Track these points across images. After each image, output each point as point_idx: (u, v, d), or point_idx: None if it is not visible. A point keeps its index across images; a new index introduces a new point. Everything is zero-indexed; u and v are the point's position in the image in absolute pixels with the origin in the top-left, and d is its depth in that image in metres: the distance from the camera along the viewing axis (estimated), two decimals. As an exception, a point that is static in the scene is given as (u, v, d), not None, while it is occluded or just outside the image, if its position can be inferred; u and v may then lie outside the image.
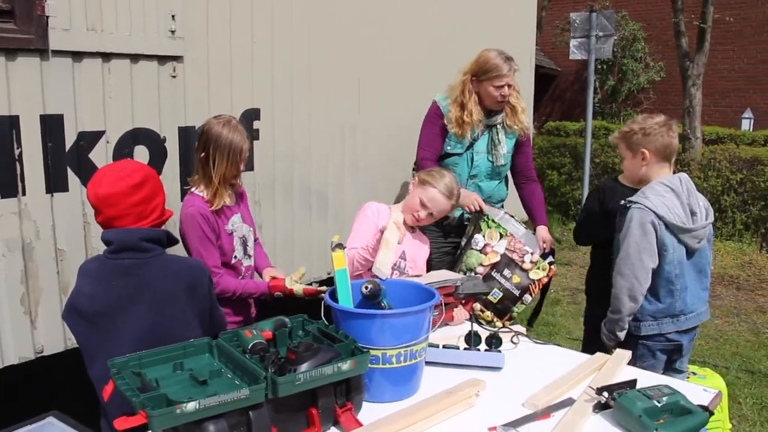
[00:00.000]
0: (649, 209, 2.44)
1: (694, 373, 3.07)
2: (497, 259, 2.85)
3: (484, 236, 2.88)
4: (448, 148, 3.18)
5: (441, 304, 2.34)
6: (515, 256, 2.86)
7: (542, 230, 3.11)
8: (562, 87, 13.48)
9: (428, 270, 2.84)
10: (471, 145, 3.17)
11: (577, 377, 1.96)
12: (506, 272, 2.84)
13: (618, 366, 2.05)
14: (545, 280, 2.88)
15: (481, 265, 2.84)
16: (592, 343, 2.75)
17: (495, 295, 2.84)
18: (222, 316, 2.12)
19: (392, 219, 2.61)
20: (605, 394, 1.74)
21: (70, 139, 2.52)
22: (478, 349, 2.13)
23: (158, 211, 1.99)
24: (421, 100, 3.40)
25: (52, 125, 2.47)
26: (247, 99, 3.11)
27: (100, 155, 2.60)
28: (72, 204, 2.53)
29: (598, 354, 2.18)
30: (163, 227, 2.05)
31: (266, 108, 3.21)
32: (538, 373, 2.04)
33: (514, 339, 2.32)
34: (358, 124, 3.72)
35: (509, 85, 3.06)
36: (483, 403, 1.86)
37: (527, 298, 2.88)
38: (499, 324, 2.79)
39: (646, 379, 1.95)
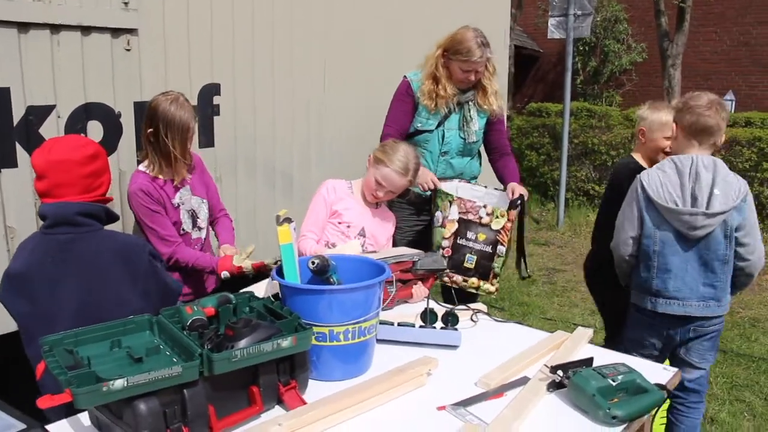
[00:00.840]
0: (640, 179, 2.45)
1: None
2: (455, 227, 2.79)
3: (441, 211, 2.83)
4: (419, 124, 3.12)
5: (393, 280, 2.30)
6: (470, 216, 2.79)
7: (512, 184, 3.04)
8: (545, 69, 13.42)
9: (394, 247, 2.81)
10: (442, 122, 3.11)
11: (533, 356, 1.92)
12: (469, 234, 2.79)
13: (578, 344, 2.01)
14: (509, 225, 2.79)
15: (444, 239, 2.80)
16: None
17: (470, 261, 2.80)
18: (173, 291, 2.06)
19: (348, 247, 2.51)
20: (560, 372, 1.70)
21: (18, 113, 2.44)
22: (434, 327, 2.08)
23: (104, 188, 1.93)
24: (390, 77, 3.32)
25: (-3, 98, 2.38)
26: (206, 74, 3.03)
27: (51, 130, 2.52)
28: (21, 180, 2.45)
29: (559, 332, 2.14)
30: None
31: (227, 83, 3.13)
32: (495, 352, 2.00)
33: (474, 317, 2.28)
34: (325, 102, 3.64)
35: (477, 71, 2.99)
36: (435, 382, 1.82)
37: (501, 249, 2.81)
38: (491, 288, 2.84)
39: (609, 358, 1.92)
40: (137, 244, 1.95)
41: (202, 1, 2.95)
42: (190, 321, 1.64)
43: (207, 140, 3.10)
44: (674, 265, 2.41)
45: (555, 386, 1.71)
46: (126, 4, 2.65)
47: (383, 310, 2.34)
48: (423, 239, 3.08)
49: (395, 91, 3.22)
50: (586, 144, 7.77)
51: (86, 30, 2.54)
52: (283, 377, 1.66)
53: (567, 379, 1.67)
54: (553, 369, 1.70)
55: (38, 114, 2.49)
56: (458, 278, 2.82)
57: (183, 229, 2.48)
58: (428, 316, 2.10)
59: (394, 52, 3.87)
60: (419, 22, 4.05)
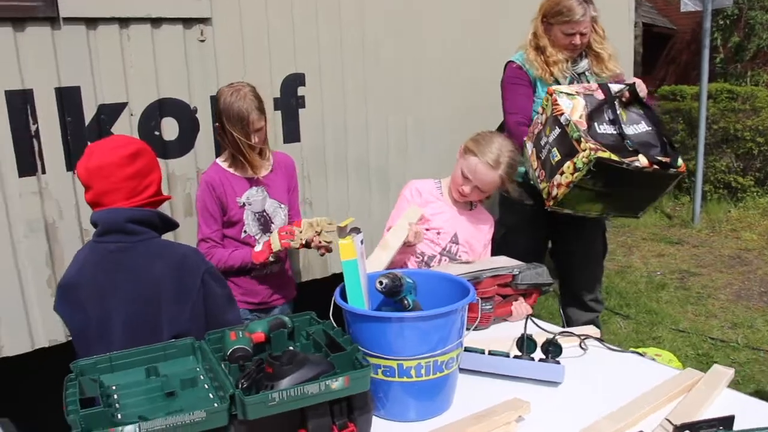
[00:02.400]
0: None
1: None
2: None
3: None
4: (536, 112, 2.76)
5: (485, 298, 1.97)
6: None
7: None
8: (678, 47, 12.23)
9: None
10: None
11: (654, 402, 1.51)
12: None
13: (713, 391, 1.57)
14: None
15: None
16: None
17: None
18: (233, 316, 1.84)
19: (407, 213, 2.23)
20: (687, 432, 1.30)
21: (89, 113, 2.34)
22: (532, 358, 1.72)
23: (152, 189, 1.74)
24: (495, 61, 2.97)
25: (68, 98, 2.29)
26: (288, 63, 2.81)
27: (124, 128, 2.41)
28: (95, 182, 2.36)
29: (689, 371, 1.70)
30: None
31: (312, 72, 2.90)
32: (605, 392, 1.62)
33: (583, 344, 1.89)
34: (424, 91, 3.32)
35: (582, 33, 2.63)
36: (526, 430, 1.48)
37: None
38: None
39: (758, 413, 1.49)
40: (194, 261, 1.75)
41: (283, -15, 2.74)
42: (231, 351, 1.41)
43: (292, 134, 2.90)
44: None
45: (682, 451, 1.31)
46: (199, -9, 2.49)
47: (476, 330, 2.03)
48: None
49: (503, 79, 2.90)
50: (727, 130, 6.88)
51: (156, 22, 2.40)
52: (339, 420, 1.38)
53: (700, 444, 1.26)
54: (680, 428, 1.30)
55: (110, 113, 2.38)
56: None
57: (245, 231, 2.31)
58: (525, 344, 1.75)
59: (498, 36, 3.48)
60: (525, 3, 3.63)
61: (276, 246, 2.24)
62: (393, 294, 1.58)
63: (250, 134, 2.25)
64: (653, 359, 2.97)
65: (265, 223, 2.36)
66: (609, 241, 3.16)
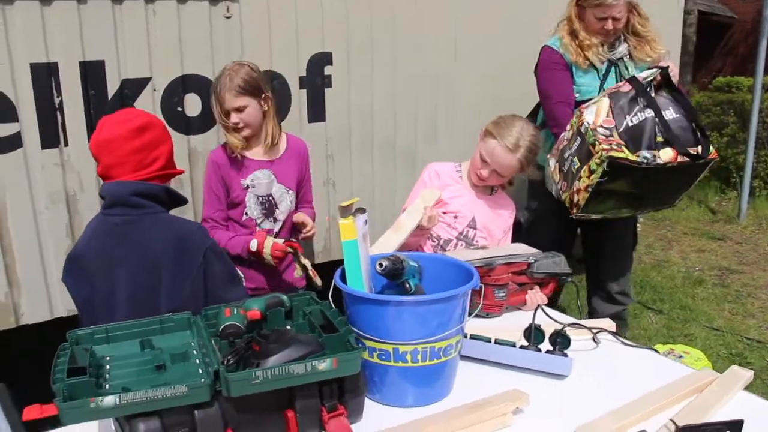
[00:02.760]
0: None
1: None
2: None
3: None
4: (577, 95, 2.70)
5: (498, 285, 1.92)
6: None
7: None
8: (737, 38, 11.71)
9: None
10: (601, 87, 2.67)
11: (661, 402, 1.44)
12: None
13: (727, 392, 1.48)
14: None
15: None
16: None
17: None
18: (234, 295, 1.81)
19: (424, 195, 2.17)
20: (690, 435, 1.23)
21: (112, 87, 2.37)
22: (539, 349, 1.67)
23: (161, 162, 1.74)
24: (530, 45, 2.88)
25: (92, 72, 2.32)
26: (316, 41, 2.79)
27: (147, 103, 2.43)
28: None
29: (706, 371, 1.62)
30: (169, 184, 1.81)
31: (339, 52, 2.86)
32: (612, 388, 1.56)
33: (596, 338, 1.82)
34: (455, 71, 3.25)
35: (615, 18, 2.53)
36: (522, 423, 1.42)
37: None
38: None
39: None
40: (197, 237, 1.74)
41: (310, -39, 2.70)
42: (223, 327, 1.40)
43: (317, 114, 2.87)
44: None
45: (684, 454, 1.25)
46: (225, -33, 2.48)
47: (488, 317, 1.99)
48: None
49: (539, 64, 2.82)
50: (781, 124, 6.57)
51: (182, -3, 2.40)
52: (329, 402, 1.36)
53: (701, 449, 1.19)
54: (682, 430, 1.23)
55: (133, 87, 2.40)
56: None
57: (246, 214, 2.28)
58: (532, 334, 1.69)
59: (534, 19, 3.37)
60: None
61: (267, 257, 2.22)
62: (394, 277, 1.54)
63: (224, 112, 2.22)
64: (681, 356, 2.88)
65: (269, 207, 2.33)
66: (648, 234, 3.06)
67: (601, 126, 2.28)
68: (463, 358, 1.69)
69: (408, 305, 1.43)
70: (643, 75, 2.39)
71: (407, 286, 1.57)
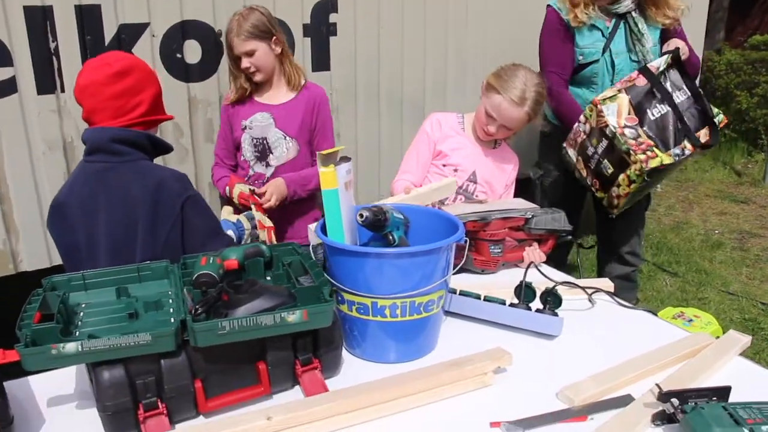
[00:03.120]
0: None
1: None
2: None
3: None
4: (580, 57, 2.59)
5: (494, 241, 1.86)
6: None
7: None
8: (780, -9, 11.13)
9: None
10: (607, 47, 2.54)
11: (648, 366, 1.38)
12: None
13: (721, 357, 1.42)
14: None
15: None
16: None
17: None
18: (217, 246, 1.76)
19: (449, 185, 2.09)
20: (673, 401, 1.17)
21: (109, 32, 2.31)
22: (529, 308, 1.61)
23: (143, 107, 1.68)
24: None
25: (88, 16, 2.26)
26: (320, -14, 2.69)
27: (145, 49, 2.37)
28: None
29: (702, 335, 1.55)
30: (156, 130, 1.77)
31: (345, -2, 2.77)
32: (601, 351, 1.50)
33: (591, 299, 1.76)
34: (467, 19, 3.12)
35: None
36: (503, 384, 1.38)
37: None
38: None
39: (760, 385, 1.34)
40: (174, 187, 1.66)
41: None
42: (196, 276, 1.36)
43: (321, 63, 2.79)
44: None
45: (662, 418, 1.19)
46: None
47: (483, 273, 1.93)
48: None
49: (543, 26, 2.71)
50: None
51: (181, -63, 2.32)
52: (302, 355, 1.33)
53: (682, 413, 1.13)
54: (665, 395, 1.17)
55: (131, 33, 2.34)
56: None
57: (243, 155, 2.31)
58: (523, 292, 1.63)
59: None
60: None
61: (235, 197, 2.24)
62: (376, 228, 1.50)
63: (234, 58, 2.24)
64: (691, 320, 2.80)
65: (263, 151, 2.30)
66: (669, 196, 2.98)
67: (627, 126, 2.32)
68: (452, 314, 1.66)
69: (388, 257, 1.38)
70: (655, 65, 2.37)
71: (390, 238, 1.52)
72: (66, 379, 1.39)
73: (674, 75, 2.38)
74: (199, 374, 1.24)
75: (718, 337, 1.51)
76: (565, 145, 2.56)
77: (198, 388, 1.23)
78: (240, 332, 1.21)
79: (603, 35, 2.57)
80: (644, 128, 2.33)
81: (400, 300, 1.39)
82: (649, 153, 2.28)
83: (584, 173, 2.52)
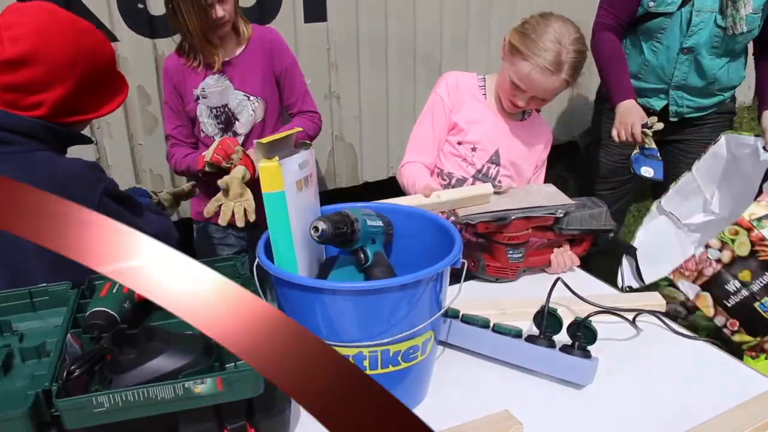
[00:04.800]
0: None
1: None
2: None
3: None
4: (651, 3, 2.06)
5: (513, 245, 1.47)
6: None
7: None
8: None
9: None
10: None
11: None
12: None
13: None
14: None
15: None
16: None
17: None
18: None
19: (482, 189, 1.59)
20: None
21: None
22: (552, 342, 1.21)
23: (43, 110, 1.24)
24: None
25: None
26: None
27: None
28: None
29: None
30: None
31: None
32: (653, 405, 1.11)
33: (636, 324, 1.35)
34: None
35: None
36: (510, 463, 1.01)
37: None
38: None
39: None
40: (83, 180, 1.27)
41: None
42: (88, 314, 1.00)
43: (315, 12, 2.36)
44: None
45: None
46: None
47: (499, 282, 1.55)
48: None
49: None
50: None
51: None
52: (232, 424, 0.97)
53: None
54: None
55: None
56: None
57: (202, 131, 1.91)
58: (544, 323, 1.23)
59: None
60: None
61: (207, 155, 1.76)
62: (341, 244, 1.10)
63: (203, 6, 1.71)
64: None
65: (226, 120, 1.90)
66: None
67: None
68: (452, 347, 1.28)
69: (342, 294, 0.99)
70: None
71: (361, 256, 1.12)
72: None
73: None
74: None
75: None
76: (671, 275, 1.77)
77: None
78: (125, 410, 0.84)
79: None
80: None
81: (368, 349, 1.01)
82: None
83: (712, 312, 1.76)
